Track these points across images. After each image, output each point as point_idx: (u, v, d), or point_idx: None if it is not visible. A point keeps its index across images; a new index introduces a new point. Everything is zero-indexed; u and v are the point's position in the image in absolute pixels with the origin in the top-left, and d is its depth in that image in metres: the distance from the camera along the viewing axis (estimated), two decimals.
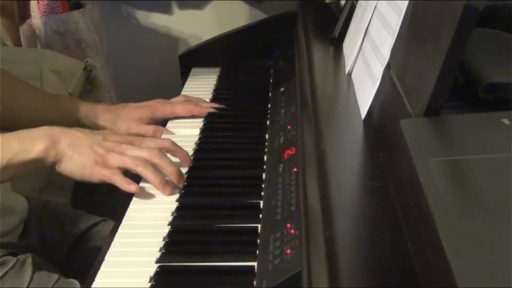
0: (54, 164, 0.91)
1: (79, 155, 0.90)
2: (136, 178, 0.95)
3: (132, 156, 0.93)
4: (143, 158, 0.93)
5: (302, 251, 0.67)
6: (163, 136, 1.15)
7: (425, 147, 0.59)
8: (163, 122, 1.23)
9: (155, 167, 0.93)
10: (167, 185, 0.93)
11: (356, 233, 0.61)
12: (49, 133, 0.91)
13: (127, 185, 0.90)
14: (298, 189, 0.81)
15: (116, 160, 0.91)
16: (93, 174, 0.90)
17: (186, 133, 1.17)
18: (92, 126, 1.16)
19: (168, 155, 0.98)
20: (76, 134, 0.93)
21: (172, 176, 0.94)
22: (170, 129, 1.20)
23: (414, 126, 0.64)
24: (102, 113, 1.17)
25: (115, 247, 0.83)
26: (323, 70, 1.11)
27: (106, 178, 0.90)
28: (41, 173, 1.08)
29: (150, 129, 1.16)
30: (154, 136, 1.15)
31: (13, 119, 1.13)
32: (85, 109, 1.17)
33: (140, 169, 0.92)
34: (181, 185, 0.95)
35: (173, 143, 0.99)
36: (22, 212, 1.10)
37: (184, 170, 0.99)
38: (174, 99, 1.25)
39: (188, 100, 1.26)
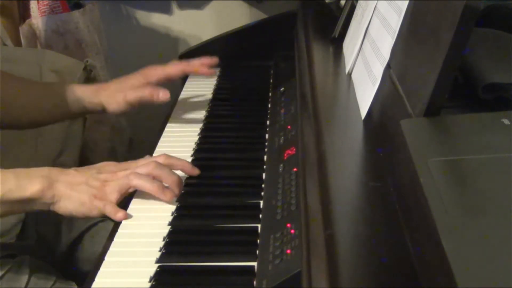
0: (49, 205, 0.90)
1: (76, 193, 0.89)
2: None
3: (126, 175, 0.92)
4: (138, 173, 0.92)
5: (302, 251, 0.67)
6: (162, 95, 1.14)
7: (425, 147, 0.59)
8: (163, 121, 1.23)
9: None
10: (166, 190, 0.92)
11: (356, 233, 0.61)
12: (47, 175, 0.90)
13: (115, 215, 0.89)
14: (298, 189, 0.81)
15: (113, 188, 0.90)
16: (91, 210, 0.90)
17: (186, 133, 1.17)
18: (91, 106, 1.16)
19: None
20: (72, 172, 0.92)
21: (173, 185, 0.93)
22: (170, 129, 1.20)
23: (414, 126, 0.63)
24: (99, 91, 1.16)
25: (115, 247, 0.83)
26: (323, 70, 1.11)
27: (101, 210, 0.90)
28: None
29: (146, 91, 1.15)
30: (151, 97, 1.14)
31: (7, 113, 1.12)
32: (83, 91, 1.16)
33: (136, 182, 0.91)
34: (179, 193, 0.94)
35: (168, 156, 0.97)
36: None
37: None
38: (165, 64, 1.24)
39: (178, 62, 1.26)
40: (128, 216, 0.90)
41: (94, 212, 0.90)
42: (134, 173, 0.92)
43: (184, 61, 1.25)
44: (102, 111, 1.18)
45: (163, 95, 1.15)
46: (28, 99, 1.15)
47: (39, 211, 0.92)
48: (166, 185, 0.93)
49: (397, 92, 0.74)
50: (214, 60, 1.26)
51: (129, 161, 0.97)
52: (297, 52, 1.28)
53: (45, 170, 0.91)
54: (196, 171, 0.98)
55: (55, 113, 1.17)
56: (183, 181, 0.96)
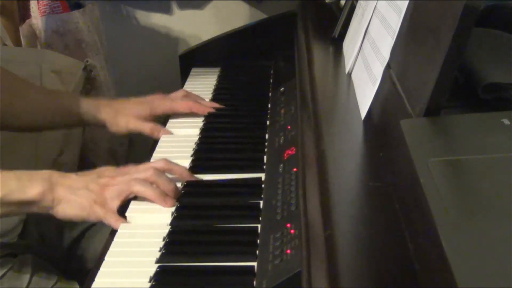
0: (49, 209, 0.90)
1: (76, 197, 0.89)
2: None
3: (127, 181, 0.91)
4: (139, 180, 0.92)
5: (302, 251, 0.67)
6: (161, 135, 1.16)
7: (425, 147, 0.59)
8: (163, 120, 1.24)
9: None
10: (168, 197, 0.92)
11: (356, 233, 0.61)
12: (48, 178, 0.90)
13: (114, 223, 0.89)
14: (298, 189, 0.81)
15: (113, 192, 0.90)
16: (90, 215, 0.90)
17: (186, 133, 1.17)
18: (93, 121, 1.18)
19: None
20: (72, 177, 0.92)
21: (170, 193, 0.92)
22: (170, 129, 1.20)
23: (414, 126, 0.64)
24: (103, 108, 1.18)
25: (115, 247, 0.83)
26: (323, 70, 1.11)
27: (101, 218, 0.90)
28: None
29: (147, 126, 1.17)
30: (152, 134, 1.16)
31: (15, 117, 1.14)
32: (86, 105, 1.18)
33: (137, 188, 0.91)
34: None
35: (168, 162, 0.97)
36: None
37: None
38: (174, 94, 1.26)
39: (188, 95, 1.27)
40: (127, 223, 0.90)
41: (93, 218, 0.90)
42: (135, 179, 0.91)
43: (192, 99, 1.26)
44: (103, 126, 1.19)
45: (162, 133, 1.17)
46: (31, 103, 1.16)
47: (38, 214, 0.92)
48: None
49: (397, 92, 0.74)
50: (222, 107, 1.27)
51: (129, 166, 0.96)
52: (297, 52, 1.28)
53: (46, 173, 0.91)
54: (193, 177, 0.97)
55: (57, 121, 1.19)
56: (179, 188, 0.96)
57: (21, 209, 0.91)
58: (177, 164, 0.98)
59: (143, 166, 0.96)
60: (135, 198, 0.93)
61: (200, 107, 1.23)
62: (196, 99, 1.26)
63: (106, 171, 0.95)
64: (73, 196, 0.89)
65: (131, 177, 0.92)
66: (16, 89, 1.14)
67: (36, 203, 0.89)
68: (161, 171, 0.94)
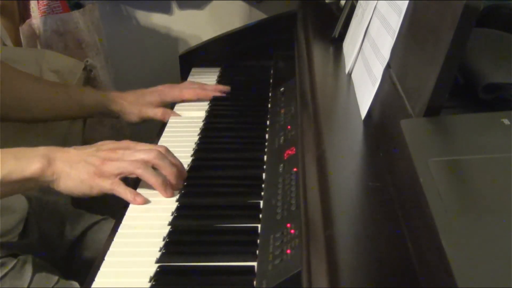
0: (50, 183, 0.90)
1: (75, 171, 0.89)
2: (133, 181, 0.95)
3: (130, 160, 0.91)
4: (142, 160, 0.91)
5: (302, 251, 0.67)
6: (171, 118, 1.24)
7: (425, 147, 0.59)
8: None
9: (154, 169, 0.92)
10: (168, 187, 0.92)
11: (356, 233, 0.61)
12: (46, 153, 0.90)
13: (131, 196, 0.90)
14: (298, 189, 0.81)
15: (113, 167, 0.90)
16: (92, 187, 0.89)
17: (186, 133, 1.17)
18: (105, 112, 1.25)
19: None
20: (71, 151, 0.92)
21: (171, 176, 0.93)
22: (170, 129, 1.21)
23: (414, 126, 0.64)
24: (115, 99, 1.24)
25: (115, 247, 0.83)
26: (323, 70, 1.11)
27: (107, 189, 0.89)
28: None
29: (159, 111, 1.25)
30: (163, 118, 1.25)
31: (26, 111, 1.19)
32: (97, 97, 1.24)
33: (141, 172, 0.90)
34: (179, 186, 0.94)
35: (167, 149, 0.96)
36: (22, 211, 1.10)
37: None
38: (181, 84, 1.36)
39: (193, 84, 1.37)
40: (146, 202, 0.91)
41: (95, 190, 0.90)
42: (141, 161, 0.91)
43: (200, 85, 1.35)
44: (116, 117, 1.27)
45: (172, 115, 1.25)
46: (41, 96, 1.21)
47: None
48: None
49: (397, 92, 0.74)
50: (227, 88, 1.36)
51: (128, 141, 0.96)
52: (297, 52, 1.28)
53: (44, 149, 0.91)
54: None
55: (67, 113, 1.26)
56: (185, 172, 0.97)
57: (22, 187, 0.91)
58: (174, 156, 0.96)
59: (145, 145, 0.95)
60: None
61: (207, 93, 1.32)
62: (202, 86, 1.35)
63: (105, 145, 0.95)
64: (72, 169, 0.89)
65: (133, 155, 0.92)
66: (23, 83, 1.17)
67: (36, 179, 0.89)
68: (164, 154, 0.93)
